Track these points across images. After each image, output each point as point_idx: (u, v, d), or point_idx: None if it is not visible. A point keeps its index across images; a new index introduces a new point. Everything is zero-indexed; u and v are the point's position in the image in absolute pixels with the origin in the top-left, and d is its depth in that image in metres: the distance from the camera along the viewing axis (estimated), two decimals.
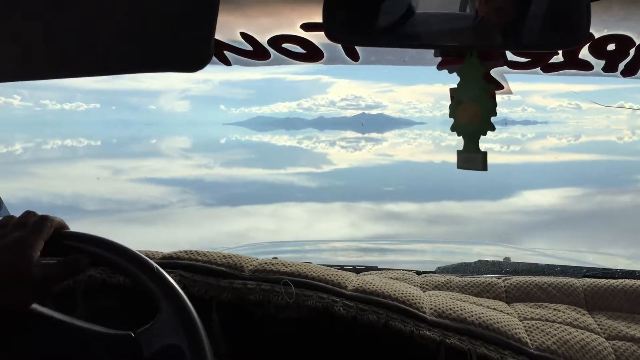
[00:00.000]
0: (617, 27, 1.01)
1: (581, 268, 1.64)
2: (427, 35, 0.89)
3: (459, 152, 0.94)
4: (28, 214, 0.87)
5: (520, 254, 2.27)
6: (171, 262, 1.24)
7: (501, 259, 1.87)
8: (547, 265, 1.67)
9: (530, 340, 1.19)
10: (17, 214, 1.31)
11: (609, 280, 1.46)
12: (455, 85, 0.95)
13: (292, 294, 1.15)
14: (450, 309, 1.20)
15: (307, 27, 1.05)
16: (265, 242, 2.57)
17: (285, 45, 1.10)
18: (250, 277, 1.22)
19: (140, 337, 0.81)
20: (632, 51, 1.06)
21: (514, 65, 1.08)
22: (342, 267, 1.60)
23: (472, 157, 0.90)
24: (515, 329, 1.20)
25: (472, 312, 1.20)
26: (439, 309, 1.20)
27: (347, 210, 15.01)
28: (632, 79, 1.17)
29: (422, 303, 1.21)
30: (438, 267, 1.74)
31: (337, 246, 2.76)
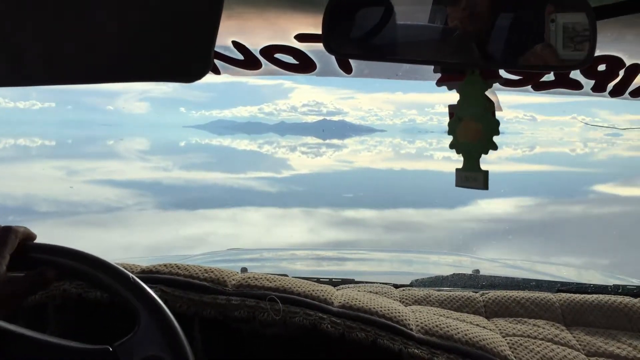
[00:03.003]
0: (609, 48, 1.02)
1: (555, 282, 1.66)
2: (430, 51, 0.88)
3: (458, 170, 0.92)
4: None
5: (483, 265, 2.28)
6: (151, 276, 1.19)
7: (458, 269, 1.89)
8: (523, 279, 1.69)
9: (515, 357, 1.19)
10: None
11: (583, 295, 1.49)
12: (453, 102, 0.94)
13: (278, 310, 1.12)
14: (437, 325, 1.19)
15: (301, 37, 1.03)
16: (224, 251, 2.53)
17: (277, 55, 1.08)
18: (234, 292, 1.18)
19: (119, 350, 0.77)
20: (621, 72, 1.07)
21: (507, 83, 1.09)
22: (318, 280, 1.58)
23: (473, 176, 0.89)
24: (500, 346, 1.20)
25: (458, 329, 1.20)
26: (426, 325, 1.19)
27: (306, 215, 14.99)
28: (599, 95, 1.19)
29: (408, 319, 1.20)
30: (414, 280, 1.74)
31: (296, 254, 2.74)
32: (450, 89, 0.93)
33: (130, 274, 0.84)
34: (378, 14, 0.87)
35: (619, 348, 1.30)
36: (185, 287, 1.17)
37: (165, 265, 1.24)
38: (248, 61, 1.09)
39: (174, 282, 1.18)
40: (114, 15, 0.67)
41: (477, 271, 1.89)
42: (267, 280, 1.23)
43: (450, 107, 0.93)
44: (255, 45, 1.07)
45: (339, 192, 20.88)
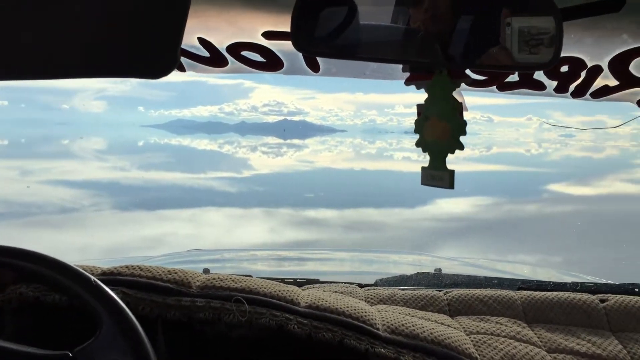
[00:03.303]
0: (571, 49, 1.04)
1: (516, 280, 1.69)
2: (396, 51, 0.88)
3: (424, 169, 0.93)
4: None
5: (443, 264, 2.32)
6: (112, 278, 1.15)
7: (419, 268, 1.91)
8: (485, 277, 1.71)
9: (480, 355, 1.20)
10: None
11: (543, 293, 1.52)
12: (421, 101, 0.94)
13: (244, 311, 1.10)
14: (403, 325, 1.19)
15: (269, 35, 1.01)
16: (184, 252, 2.49)
17: (244, 53, 1.06)
18: (199, 294, 1.15)
19: (79, 356, 0.74)
20: (583, 73, 1.09)
21: (473, 83, 1.10)
22: (283, 280, 1.57)
23: (439, 175, 0.89)
24: (465, 344, 1.21)
25: (423, 327, 1.20)
26: (392, 325, 1.19)
27: (267, 216, 14.95)
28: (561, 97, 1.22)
29: (375, 319, 1.20)
30: (378, 280, 1.74)
31: (257, 255, 2.72)
32: (418, 88, 0.93)
33: (92, 276, 0.82)
34: (347, 13, 0.86)
35: (578, 344, 1.33)
36: (148, 289, 1.14)
37: (127, 267, 1.20)
38: (214, 58, 1.07)
39: (137, 284, 1.15)
40: (79, 9, 0.65)
41: (440, 270, 1.91)
42: (232, 281, 1.21)
43: (419, 106, 0.93)
44: (221, 42, 1.05)
45: (299, 192, 20.90)
